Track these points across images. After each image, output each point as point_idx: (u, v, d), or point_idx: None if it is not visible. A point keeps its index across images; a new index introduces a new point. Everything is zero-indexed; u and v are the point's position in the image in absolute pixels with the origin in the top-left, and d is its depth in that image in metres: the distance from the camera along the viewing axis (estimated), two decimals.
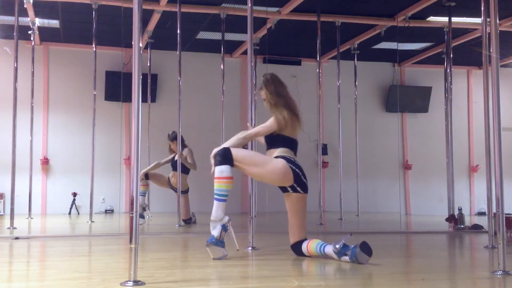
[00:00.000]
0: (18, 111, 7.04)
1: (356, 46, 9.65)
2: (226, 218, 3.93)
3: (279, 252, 4.39)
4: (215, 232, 3.89)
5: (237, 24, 8.21)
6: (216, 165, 3.93)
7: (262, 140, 4.29)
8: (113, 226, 7.74)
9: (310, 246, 3.95)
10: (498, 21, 3.70)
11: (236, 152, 3.97)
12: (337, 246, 3.74)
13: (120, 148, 9.67)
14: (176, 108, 7.51)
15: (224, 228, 3.91)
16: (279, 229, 6.47)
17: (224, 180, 3.90)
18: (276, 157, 4.05)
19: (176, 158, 7.32)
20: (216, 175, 3.92)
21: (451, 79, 8.21)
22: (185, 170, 7.45)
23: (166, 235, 6.09)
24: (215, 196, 3.94)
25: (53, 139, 10.03)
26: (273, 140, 4.14)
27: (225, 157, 3.93)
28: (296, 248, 4.04)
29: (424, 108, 11.45)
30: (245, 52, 9.85)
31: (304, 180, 4.03)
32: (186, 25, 8.28)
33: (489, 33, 3.75)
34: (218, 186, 3.91)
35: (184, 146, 7.45)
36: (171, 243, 5.29)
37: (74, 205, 9.59)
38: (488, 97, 4.18)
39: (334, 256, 3.77)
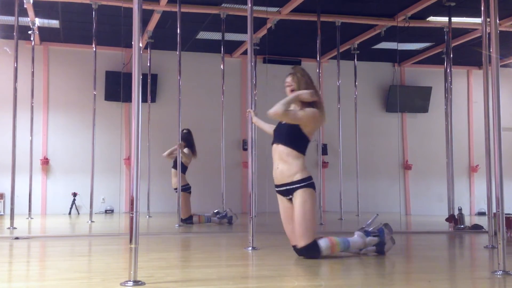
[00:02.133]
0: (18, 111, 7.04)
1: (356, 46, 9.65)
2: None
3: (279, 252, 4.39)
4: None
5: (237, 24, 8.21)
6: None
7: (271, 130, 4.27)
8: (113, 226, 7.74)
9: (334, 243, 3.98)
10: (498, 21, 3.70)
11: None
12: (365, 227, 3.98)
13: (120, 148, 9.67)
14: (176, 108, 7.51)
15: None
16: (279, 229, 6.47)
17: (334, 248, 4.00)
18: (307, 184, 4.01)
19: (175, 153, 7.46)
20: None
21: (451, 79, 8.21)
22: (182, 169, 7.51)
23: (166, 235, 6.09)
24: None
25: (53, 139, 10.03)
26: (301, 140, 4.08)
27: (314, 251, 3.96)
28: (309, 249, 3.93)
29: (424, 108, 11.45)
30: (245, 52, 9.85)
31: None
32: (186, 25, 8.28)
33: (489, 33, 3.75)
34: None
35: (189, 145, 7.58)
36: (171, 243, 5.29)
37: (74, 205, 9.59)
38: (488, 97, 4.18)
39: (360, 241, 4.02)
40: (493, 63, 3.55)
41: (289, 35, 9.56)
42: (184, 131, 7.66)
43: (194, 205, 7.72)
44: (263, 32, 8.80)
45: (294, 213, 3.98)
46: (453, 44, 8.79)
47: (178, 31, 7.50)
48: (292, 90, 4.16)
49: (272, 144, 4.15)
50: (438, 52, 10.09)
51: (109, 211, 9.77)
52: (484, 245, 4.92)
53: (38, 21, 8.61)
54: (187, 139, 7.60)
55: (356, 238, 4.07)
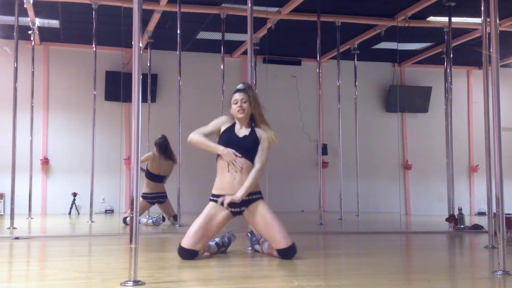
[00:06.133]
0: (18, 111, 7.04)
1: (356, 46, 9.65)
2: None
3: None
4: None
5: (237, 24, 8.21)
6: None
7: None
8: (113, 226, 7.73)
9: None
10: (498, 21, 3.70)
11: None
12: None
13: (120, 148, 9.66)
14: (176, 108, 7.51)
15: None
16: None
17: None
18: (262, 196, 4.11)
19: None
20: None
21: (451, 79, 8.21)
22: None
23: (166, 235, 6.09)
24: None
25: (53, 139, 10.03)
26: (256, 154, 4.10)
27: None
28: (294, 247, 3.94)
29: (424, 108, 11.45)
30: (245, 52, 9.85)
31: None
32: (186, 25, 8.28)
33: (489, 33, 3.75)
34: None
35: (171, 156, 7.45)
36: (171, 243, 5.29)
37: (74, 205, 9.59)
38: (488, 97, 4.18)
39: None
40: (493, 63, 3.55)
41: (289, 35, 9.56)
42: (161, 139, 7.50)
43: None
44: (263, 32, 8.80)
45: (263, 219, 3.97)
46: (453, 44, 8.80)
47: (178, 31, 7.49)
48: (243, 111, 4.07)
49: None
50: (438, 52, 10.09)
51: (109, 211, 9.77)
52: (484, 245, 4.92)
53: (38, 21, 8.61)
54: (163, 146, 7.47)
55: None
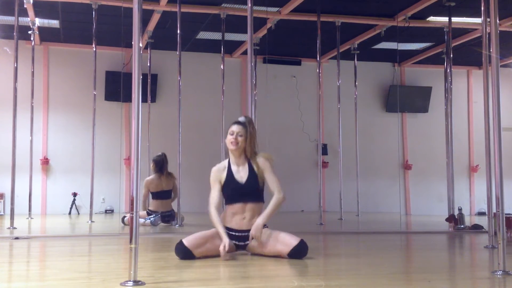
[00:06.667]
0: (18, 111, 7.04)
1: (356, 46, 9.65)
2: None
3: None
4: None
5: (237, 24, 8.21)
6: None
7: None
8: (113, 226, 7.73)
9: None
10: (498, 21, 3.70)
11: None
12: None
13: (120, 148, 9.66)
14: (176, 108, 7.51)
15: None
16: (279, 229, 6.46)
17: None
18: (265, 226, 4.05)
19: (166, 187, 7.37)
20: None
21: (451, 79, 8.21)
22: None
23: (165, 235, 6.09)
24: None
25: (53, 139, 10.03)
26: (262, 191, 4.10)
27: None
28: (305, 244, 3.91)
29: (424, 108, 11.45)
30: (245, 52, 9.84)
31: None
32: (186, 25, 8.29)
33: (489, 33, 3.75)
34: None
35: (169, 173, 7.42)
36: (171, 243, 5.28)
37: (74, 205, 9.59)
38: (488, 97, 4.18)
39: None
40: (493, 63, 3.55)
41: (289, 35, 9.56)
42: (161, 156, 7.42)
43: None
44: (263, 32, 8.80)
45: (270, 236, 3.97)
46: (453, 44, 8.80)
47: (178, 31, 7.50)
48: (237, 143, 4.02)
49: (235, 202, 4.04)
50: (438, 52, 10.09)
51: (109, 211, 9.77)
52: (484, 245, 4.92)
53: (38, 21, 8.62)
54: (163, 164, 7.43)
55: None
